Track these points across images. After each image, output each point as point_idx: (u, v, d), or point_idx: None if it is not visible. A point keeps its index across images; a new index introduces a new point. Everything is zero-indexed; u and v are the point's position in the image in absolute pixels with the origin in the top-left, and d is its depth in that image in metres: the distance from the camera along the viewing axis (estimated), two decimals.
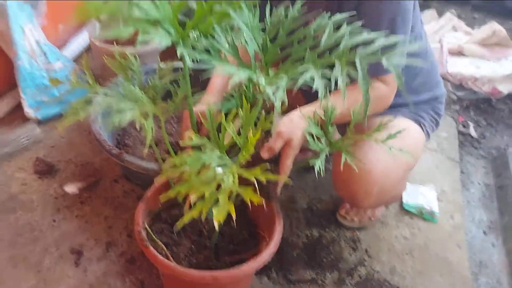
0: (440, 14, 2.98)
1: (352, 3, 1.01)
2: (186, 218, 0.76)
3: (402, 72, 0.77)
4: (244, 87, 1.12)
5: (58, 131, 1.69)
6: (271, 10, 0.95)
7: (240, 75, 0.81)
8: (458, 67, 2.25)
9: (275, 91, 0.79)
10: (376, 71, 0.96)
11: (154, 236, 1.04)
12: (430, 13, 2.99)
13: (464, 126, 2.05)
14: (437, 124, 1.32)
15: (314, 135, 0.95)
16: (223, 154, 0.88)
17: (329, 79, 0.77)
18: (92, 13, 0.77)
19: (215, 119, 0.91)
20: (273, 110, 0.96)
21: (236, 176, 0.78)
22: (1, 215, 1.37)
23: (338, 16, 0.85)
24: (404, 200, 1.53)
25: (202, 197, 0.76)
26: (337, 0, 1.05)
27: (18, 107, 1.74)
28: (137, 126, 0.95)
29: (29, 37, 1.68)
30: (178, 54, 0.82)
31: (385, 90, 1.09)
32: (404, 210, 1.52)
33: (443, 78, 2.26)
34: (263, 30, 0.94)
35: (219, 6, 0.86)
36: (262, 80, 0.82)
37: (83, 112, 0.94)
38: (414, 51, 1.02)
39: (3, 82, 1.79)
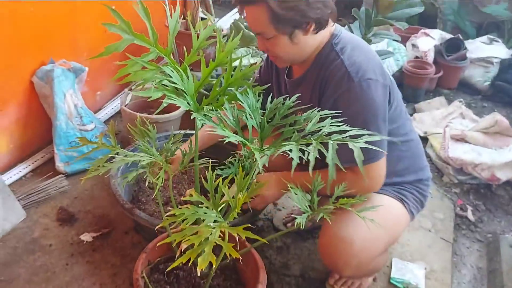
0: (450, 101, 3.15)
1: (330, 100, 1.22)
2: (176, 262, 0.91)
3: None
4: (244, 158, 1.30)
5: (82, 184, 1.88)
6: (272, 98, 1.16)
7: (234, 139, 1.01)
8: (459, 152, 2.37)
9: (262, 156, 0.99)
10: (351, 161, 1.08)
11: (150, 285, 1.18)
12: (440, 100, 3.17)
13: (462, 210, 2.13)
14: (421, 204, 1.43)
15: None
16: (217, 212, 1.03)
17: (303, 152, 0.95)
18: (132, 77, 1.00)
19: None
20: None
21: (226, 231, 0.94)
22: (22, 255, 1.54)
23: (324, 112, 1.07)
24: (392, 274, 1.61)
25: (192, 246, 0.91)
26: (318, 95, 1.27)
27: (51, 160, 1.97)
28: (146, 183, 1.13)
29: (69, 102, 1.94)
30: (191, 117, 1.04)
31: (360, 181, 1.19)
32: (391, 284, 1.59)
33: (444, 162, 2.39)
34: (263, 114, 1.14)
35: (230, 90, 1.08)
36: (253, 147, 1.01)
37: (103, 168, 1.13)
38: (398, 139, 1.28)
39: (41, 138, 2.04)
